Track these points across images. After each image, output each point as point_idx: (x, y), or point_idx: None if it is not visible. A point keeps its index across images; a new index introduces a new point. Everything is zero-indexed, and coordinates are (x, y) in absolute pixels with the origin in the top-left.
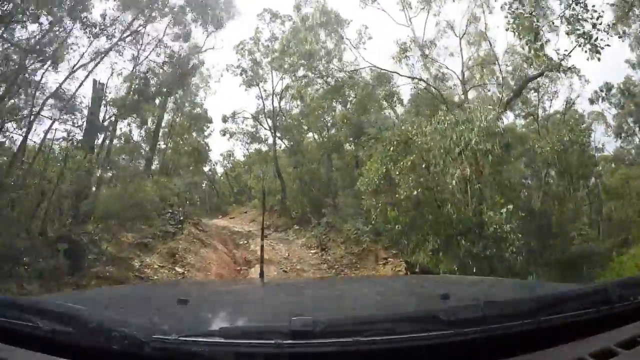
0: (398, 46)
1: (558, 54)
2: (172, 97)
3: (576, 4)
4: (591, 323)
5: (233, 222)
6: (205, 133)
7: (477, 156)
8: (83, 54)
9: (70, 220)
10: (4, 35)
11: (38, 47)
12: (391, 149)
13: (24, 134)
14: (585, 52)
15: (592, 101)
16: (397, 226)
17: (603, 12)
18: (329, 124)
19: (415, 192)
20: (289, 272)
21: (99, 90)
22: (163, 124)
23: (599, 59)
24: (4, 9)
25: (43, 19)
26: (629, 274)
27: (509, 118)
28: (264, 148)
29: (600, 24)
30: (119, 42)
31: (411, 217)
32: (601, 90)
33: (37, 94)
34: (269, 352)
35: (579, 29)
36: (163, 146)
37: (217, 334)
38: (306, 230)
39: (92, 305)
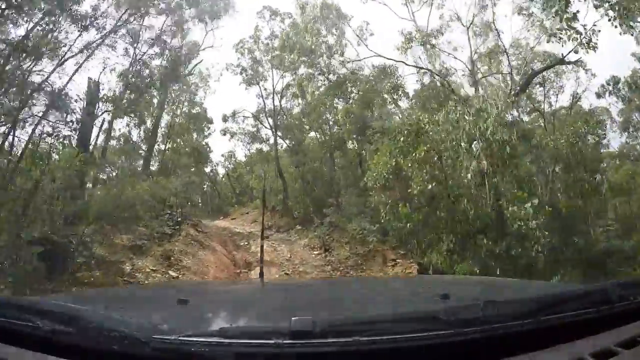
0: (403, 36)
1: (585, 29)
2: (170, 95)
3: None
4: (591, 323)
5: (234, 223)
6: (206, 133)
7: (493, 147)
8: (70, 46)
9: (56, 222)
10: None
11: (26, 41)
12: (402, 139)
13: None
14: (616, 27)
15: (599, 95)
16: (408, 224)
17: None
18: (330, 122)
19: (429, 186)
20: (292, 275)
21: (93, 89)
22: (162, 125)
23: (632, 34)
24: None
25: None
26: None
27: (513, 114)
28: (265, 148)
29: None
30: (111, 36)
31: (424, 214)
32: (608, 84)
33: (25, 90)
34: (268, 352)
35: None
36: (162, 147)
37: (217, 334)
38: (309, 231)
39: (92, 305)
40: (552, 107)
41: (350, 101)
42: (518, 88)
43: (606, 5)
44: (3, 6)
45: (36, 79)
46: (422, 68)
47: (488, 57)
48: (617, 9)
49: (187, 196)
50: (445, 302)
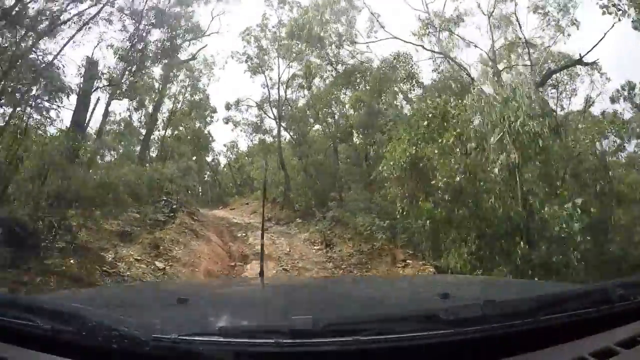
0: (420, 21)
1: None
2: (172, 81)
3: None
4: (591, 322)
5: (233, 213)
6: (207, 120)
7: (523, 140)
8: (59, 15)
9: (38, 203)
10: None
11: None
12: (425, 124)
13: None
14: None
15: (613, 100)
16: (427, 221)
17: None
18: (336, 115)
19: (457, 178)
20: (290, 271)
21: (91, 67)
22: (164, 110)
23: None
24: None
25: None
26: None
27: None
28: (269, 139)
29: None
30: (107, 7)
31: (449, 211)
32: (623, 89)
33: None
34: (269, 351)
35: None
36: (163, 132)
37: (217, 333)
38: (310, 225)
39: (92, 304)
40: (564, 110)
41: (361, 89)
42: (534, 86)
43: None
44: None
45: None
46: (440, 54)
47: (508, 50)
48: None
49: (185, 183)
50: (445, 302)
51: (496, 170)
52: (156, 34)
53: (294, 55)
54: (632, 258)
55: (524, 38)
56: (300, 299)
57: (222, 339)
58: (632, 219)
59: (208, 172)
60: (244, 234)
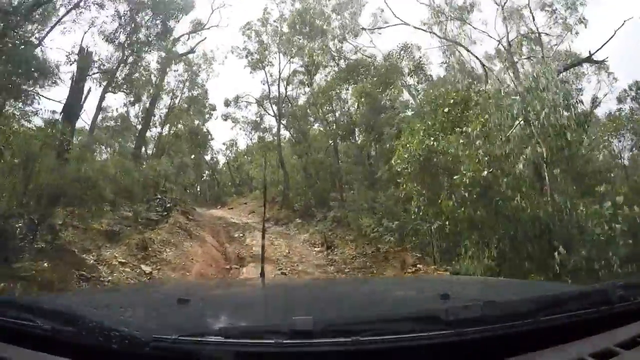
0: (431, 9)
1: None
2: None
3: None
4: (591, 323)
5: (231, 212)
6: (206, 116)
7: (549, 132)
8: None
9: (19, 199)
10: None
11: None
12: (446, 111)
13: None
14: None
15: (620, 100)
16: (447, 222)
17: None
18: (337, 113)
19: (485, 173)
20: (289, 275)
21: (85, 58)
22: (162, 107)
23: None
24: None
25: None
26: None
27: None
28: (268, 137)
29: None
30: None
31: (473, 210)
32: (630, 89)
33: None
34: (269, 352)
35: None
36: (160, 129)
37: (218, 334)
38: (310, 225)
39: (92, 304)
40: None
41: (365, 83)
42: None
43: None
44: None
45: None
46: (453, 41)
47: (519, 42)
48: None
49: (180, 180)
50: (445, 302)
51: (520, 165)
52: (147, 17)
53: (295, 50)
54: None
55: (537, 30)
56: (300, 299)
57: (222, 339)
58: None
59: (207, 171)
60: (241, 235)
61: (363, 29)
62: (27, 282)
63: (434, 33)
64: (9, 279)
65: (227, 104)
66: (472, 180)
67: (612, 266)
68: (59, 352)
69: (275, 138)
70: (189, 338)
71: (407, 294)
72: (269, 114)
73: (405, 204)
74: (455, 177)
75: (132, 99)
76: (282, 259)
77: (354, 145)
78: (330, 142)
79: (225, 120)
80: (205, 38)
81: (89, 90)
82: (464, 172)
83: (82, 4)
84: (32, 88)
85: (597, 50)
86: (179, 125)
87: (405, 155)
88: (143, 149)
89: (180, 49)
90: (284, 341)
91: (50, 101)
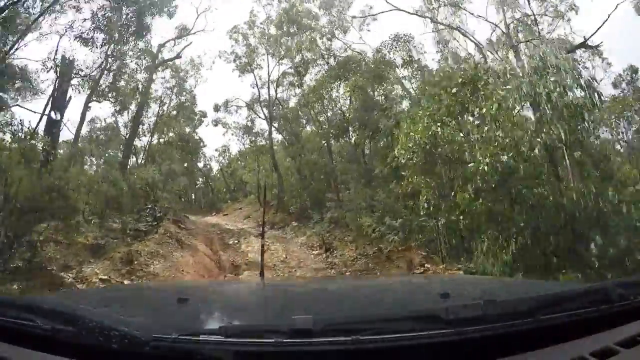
0: None
1: None
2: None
3: None
4: (591, 322)
5: (226, 219)
6: (195, 122)
7: (564, 114)
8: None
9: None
10: None
11: None
12: (454, 91)
13: None
14: None
15: (615, 85)
16: (461, 217)
17: None
18: (329, 112)
19: (505, 158)
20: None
21: (67, 66)
22: (150, 115)
23: None
24: None
25: None
26: None
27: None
28: (260, 141)
29: None
30: None
31: (492, 201)
32: (625, 73)
33: None
34: (269, 351)
35: None
36: (149, 137)
37: (217, 333)
38: (306, 228)
39: (92, 304)
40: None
41: (357, 78)
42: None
43: None
44: None
45: None
46: (449, 27)
47: (516, 27)
48: None
49: (169, 188)
50: (445, 301)
51: (536, 150)
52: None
53: (284, 51)
54: None
55: (534, 14)
56: (300, 299)
57: (222, 339)
58: None
59: (200, 179)
60: (236, 241)
61: (354, 17)
62: None
63: (428, 17)
64: None
65: (216, 109)
66: (491, 167)
67: None
68: (59, 352)
69: (268, 141)
70: (189, 337)
71: (407, 294)
72: (260, 118)
73: (406, 200)
74: (470, 165)
75: (118, 108)
76: (279, 264)
77: (348, 144)
78: (324, 142)
79: (216, 125)
80: (191, 43)
81: (69, 99)
82: (481, 158)
83: (57, 7)
84: (6, 97)
85: (592, 35)
86: (170, 133)
87: (410, 144)
88: (133, 158)
89: (166, 54)
90: (284, 340)
91: (28, 112)
